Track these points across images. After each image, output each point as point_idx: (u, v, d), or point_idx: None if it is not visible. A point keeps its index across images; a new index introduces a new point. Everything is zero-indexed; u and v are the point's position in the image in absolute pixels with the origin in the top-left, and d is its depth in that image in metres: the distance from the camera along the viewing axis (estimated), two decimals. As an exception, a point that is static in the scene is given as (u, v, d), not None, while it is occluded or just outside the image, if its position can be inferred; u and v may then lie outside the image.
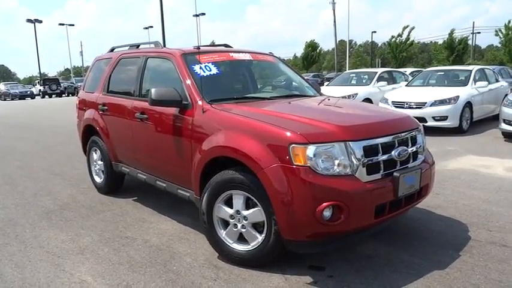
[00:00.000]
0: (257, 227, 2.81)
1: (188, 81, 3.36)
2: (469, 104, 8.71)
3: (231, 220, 2.88)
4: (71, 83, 40.20)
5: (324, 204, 2.42)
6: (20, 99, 34.18)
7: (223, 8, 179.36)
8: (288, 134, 2.53)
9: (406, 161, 2.86)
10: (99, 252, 3.23)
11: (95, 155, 4.90)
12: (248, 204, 2.81)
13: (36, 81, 42.21)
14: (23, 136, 10.34)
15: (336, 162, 2.51)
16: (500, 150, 6.80)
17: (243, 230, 2.84)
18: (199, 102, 3.20)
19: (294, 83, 4.26)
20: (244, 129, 2.78)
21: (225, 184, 2.86)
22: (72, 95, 37.00)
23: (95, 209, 4.34)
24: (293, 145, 2.48)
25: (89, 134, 4.94)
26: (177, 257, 3.09)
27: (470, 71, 9.74)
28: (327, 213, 2.45)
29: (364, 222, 2.59)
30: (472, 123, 8.94)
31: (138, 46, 4.59)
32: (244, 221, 2.82)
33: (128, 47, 4.71)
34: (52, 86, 36.09)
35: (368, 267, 2.84)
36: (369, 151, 2.62)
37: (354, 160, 2.54)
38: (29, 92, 35.84)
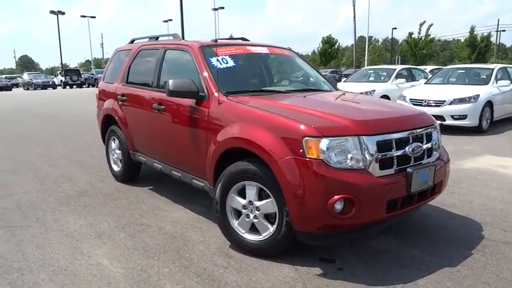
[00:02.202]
0: (269, 217, 2.85)
1: (205, 73, 3.42)
2: (489, 103, 8.54)
3: (244, 210, 2.94)
4: (91, 74, 40.95)
5: (336, 197, 2.44)
6: (42, 89, 35.10)
7: (243, 1, 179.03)
8: (302, 127, 2.56)
9: (420, 157, 2.85)
10: (115, 238, 3.34)
11: (113, 144, 5.02)
12: (261, 195, 2.86)
13: (58, 71, 43.11)
14: (44, 125, 10.63)
15: (349, 156, 2.53)
16: (520, 151, 6.66)
17: (255, 221, 2.89)
18: (215, 94, 3.25)
19: (310, 78, 4.27)
20: (259, 122, 2.82)
21: (238, 175, 2.91)
22: (92, 86, 37.65)
23: (112, 196, 4.46)
24: (306, 138, 2.51)
25: (108, 123, 5.06)
26: (190, 245, 3.17)
27: (492, 69, 9.53)
28: (338, 206, 2.47)
29: (376, 217, 2.61)
30: (492, 122, 8.77)
31: (157, 38, 4.67)
32: (256, 212, 2.87)
33: (148, 39, 4.80)
34: (73, 77, 36.92)
35: (378, 261, 2.86)
36: (383, 146, 2.63)
37: (366, 155, 2.55)
38: (51, 82, 36.79)
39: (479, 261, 2.84)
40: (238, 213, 3.01)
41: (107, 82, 5.20)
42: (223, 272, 2.73)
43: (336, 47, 51.46)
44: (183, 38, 4.55)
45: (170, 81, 3.31)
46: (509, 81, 9.29)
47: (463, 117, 8.21)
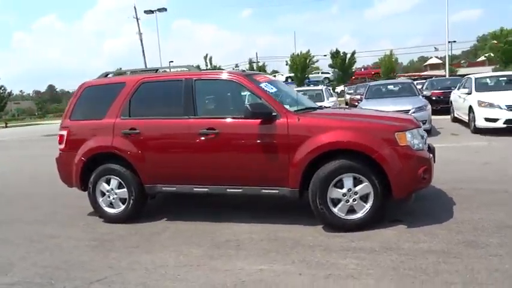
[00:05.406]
0: (362, 198, 3.81)
1: (268, 97, 4.05)
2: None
3: (343, 197, 3.79)
4: None
5: (422, 168, 3.71)
6: None
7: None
8: (393, 126, 3.77)
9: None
10: (231, 254, 3.51)
11: (107, 185, 4.61)
12: (354, 183, 3.79)
13: None
14: None
15: (417, 141, 3.84)
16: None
17: (354, 203, 3.79)
18: (290, 113, 3.96)
19: (304, 97, 5.36)
20: (351, 128, 3.79)
21: (336, 171, 3.76)
22: None
23: (143, 236, 4.20)
24: (397, 133, 3.69)
25: (94, 164, 4.62)
26: (298, 239, 3.72)
27: (321, 89, 12.68)
28: (422, 174, 3.73)
29: (432, 179, 4.00)
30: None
31: (156, 70, 4.77)
32: (354, 196, 3.78)
33: (140, 71, 4.81)
34: None
35: (422, 216, 4.08)
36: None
37: (422, 140, 3.93)
38: None
39: (475, 200, 4.45)
40: (333, 202, 3.83)
41: (83, 119, 4.76)
42: (355, 245, 3.51)
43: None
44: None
45: (248, 105, 3.83)
46: (334, 98, 12.61)
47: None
